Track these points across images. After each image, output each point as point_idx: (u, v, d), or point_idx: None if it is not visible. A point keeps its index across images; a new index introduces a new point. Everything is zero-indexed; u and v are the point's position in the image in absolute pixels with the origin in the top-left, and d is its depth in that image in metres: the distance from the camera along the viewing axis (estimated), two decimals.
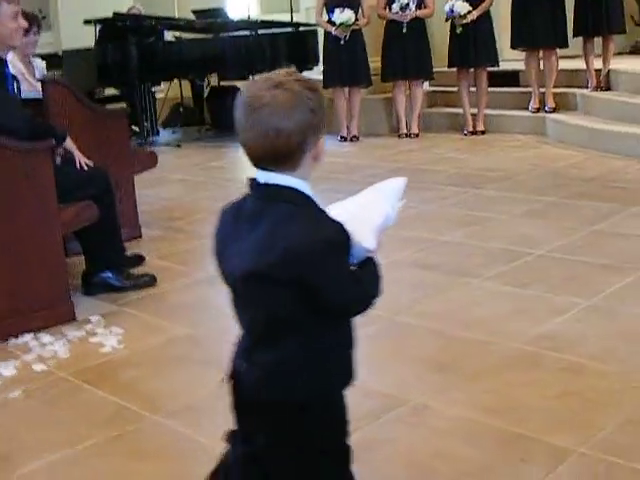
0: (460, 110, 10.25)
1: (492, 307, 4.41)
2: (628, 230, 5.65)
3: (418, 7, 10.05)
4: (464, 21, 9.81)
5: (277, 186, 2.02)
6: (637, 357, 3.70)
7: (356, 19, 10.11)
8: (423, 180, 7.57)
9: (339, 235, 1.99)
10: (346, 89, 10.34)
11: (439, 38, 10.74)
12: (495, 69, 10.21)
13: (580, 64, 10.01)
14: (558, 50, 9.82)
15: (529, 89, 10.06)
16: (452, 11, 9.79)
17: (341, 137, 10.29)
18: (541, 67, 9.93)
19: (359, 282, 2.08)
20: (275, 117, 1.97)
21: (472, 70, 10.10)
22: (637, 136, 8.17)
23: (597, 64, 9.80)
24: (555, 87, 9.90)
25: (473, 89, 10.12)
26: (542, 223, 5.95)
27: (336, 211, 2.08)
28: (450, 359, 3.82)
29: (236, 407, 2.20)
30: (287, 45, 10.59)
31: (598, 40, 9.76)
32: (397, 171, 8.04)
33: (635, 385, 3.42)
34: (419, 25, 10.14)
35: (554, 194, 6.75)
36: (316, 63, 10.69)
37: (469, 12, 9.77)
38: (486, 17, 9.97)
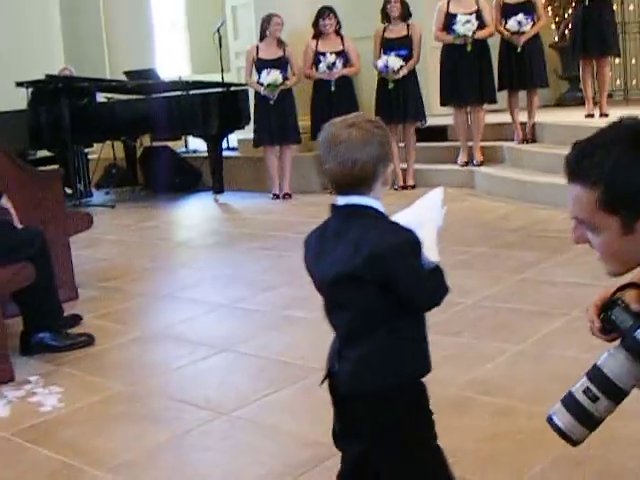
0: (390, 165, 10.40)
1: None
2: (554, 277, 5.82)
3: (344, 65, 10.26)
4: (396, 77, 10.03)
5: (356, 205, 2.46)
6: (545, 395, 3.83)
7: (285, 79, 10.30)
8: None
9: (414, 239, 2.40)
10: (277, 148, 10.49)
11: (367, 95, 10.95)
12: (425, 125, 10.44)
13: (507, 118, 10.28)
14: (485, 104, 10.10)
15: (457, 143, 10.29)
16: (386, 67, 9.99)
17: (273, 195, 10.40)
18: (469, 122, 10.18)
19: (431, 280, 2.48)
20: (352, 151, 2.41)
21: (400, 126, 10.31)
22: (562, 187, 8.31)
23: (523, 117, 10.08)
24: (483, 140, 10.14)
25: (402, 144, 10.32)
26: (472, 273, 6.09)
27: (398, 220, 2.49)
28: None
29: (337, 407, 2.64)
30: (218, 105, 10.69)
31: (523, 93, 10.06)
32: None
33: None
34: (347, 83, 10.36)
35: (483, 245, 6.91)
36: (247, 122, 10.80)
37: (401, 67, 10.02)
38: (413, 74, 10.21)
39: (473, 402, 3.88)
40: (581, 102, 10.79)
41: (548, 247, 6.66)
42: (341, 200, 2.48)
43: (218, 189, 10.63)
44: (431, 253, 2.43)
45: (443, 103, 10.26)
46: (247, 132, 10.93)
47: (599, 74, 10.21)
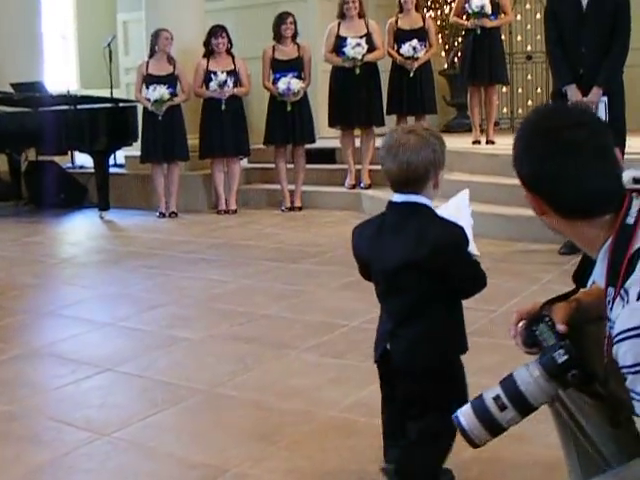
0: (278, 186, 10.44)
1: (309, 377, 4.52)
2: None
3: (235, 85, 10.25)
4: (296, 98, 10.08)
5: (413, 203, 2.89)
6: None
7: (175, 95, 10.24)
8: (242, 255, 7.70)
9: (465, 235, 2.87)
10: (164, 165, 10.41)
11: (256, 115, 10.98)
12: (312, 146, 10.48)
13: None
14: (375, 128, 10.20)
15: (345, 166, 10.35)
16: (289, 89, 10.03)
17: (160, 213, 10.32)
18: (357, 144, 10.26)
19: (476, 271, 2.94)
20: (408, 154, 2.84)
21: (290, 147, 10.35)
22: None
23: None
24: (371, 164, 10.22)
25: (290, 165, 10.34)
26: (357, 295, 6.09)
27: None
28: (270, 429, 3.89)
29: (388, 378, 3.04)
30: (106, 120, 10.55)
31: (412, 117, 10.19)
32: (216, 247, 8.17)
33: None
34: (237, 102, 10.35)
35: None
36: (136, 139, 10.69)
37: (301, 89, 10.10)
38: (305, 95, 10.27)
39: (357, 424, 3.88)
40: (468, 129, 11.00)
41: None
42: (398, 197, 2.94)
43: (104, 206, 10.49)
44: (472, 247, 2.90)
45: (331, 124, 10.34)
46: (134, 148, 10.83)
47: (487, 102, 10.42)
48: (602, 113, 6.87)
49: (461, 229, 2.86)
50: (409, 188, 2.88)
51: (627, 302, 1.95)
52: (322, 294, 6.24)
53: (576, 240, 2.18)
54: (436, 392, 2.93)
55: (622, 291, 1.98)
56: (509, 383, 2.17)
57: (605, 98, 6.91)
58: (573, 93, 6.96)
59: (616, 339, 1.95)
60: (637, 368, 1.89)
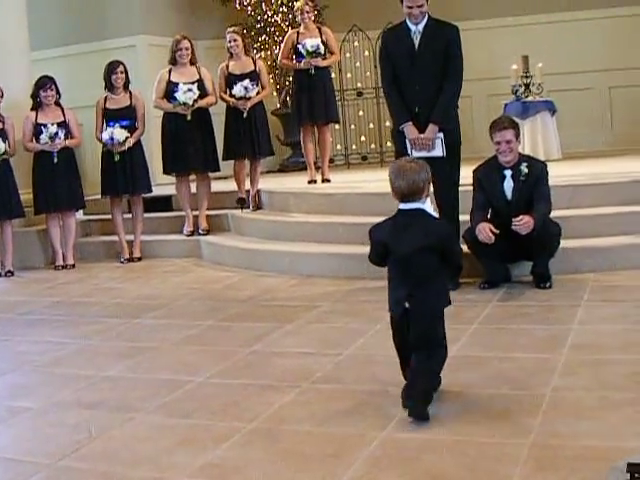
0: (116, 238, 10.29)
1: (157, 441, 4.41)
2: (284, 348, 5.86)
3: (66, 136, 10.08)
4: (122, 148, 9.95)
5: (416, 209, 4.47)
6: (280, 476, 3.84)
7: (5, 152, 9.98)
8: (82, 314, 7.53)
9: (451, 229, 5.05)
10: None
11: (89, 165, 10.84)
12: (148, 195, 10.38)
13: (229, 186, 10.40)
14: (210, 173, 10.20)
15: (183, 213, 10.29)
16: (112, 139, 9.91)
17: None
18: (194, 190, 10.22)
19: (460, 249, 5.12)
20: (413, 175, 4.41)
21: (126, 196, 10.22)
22: (287, 253, 8.52)
23: (248, 184, 10.22)
24: (208, 209, 10.19)
25: (128, 215, 10.21)
26: (201, 349, 6.05)
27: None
28: None
29: (404, 327, 4.52)
30: None
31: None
32: (55, 306, 7.97)
33: None
34: (68, 154, 10.17)
35: (211, 318, 6.91)
36: None
37: (127, 138, 9.95)
38: (139, 144, 10.17)
39: None
40: (304, 167, 11.09)
41: (277, 316, 6.73)
42: (405, 206, 4.48)
43: None
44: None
45: (166, 171, 10.27)
46: None
47: (321, 140, 10.56)
48: (439, 149, 6.99)
49: (449, 226, 4.94)
50: (412, 197, 4.43)
51: None
52: (164, 350, 6.13)
53: None
54: (436, 330, 4.50)
55: None
56: None
57: (441, 134, 7.01)
58: (410, 131, 7.05)
59: None
60: None
